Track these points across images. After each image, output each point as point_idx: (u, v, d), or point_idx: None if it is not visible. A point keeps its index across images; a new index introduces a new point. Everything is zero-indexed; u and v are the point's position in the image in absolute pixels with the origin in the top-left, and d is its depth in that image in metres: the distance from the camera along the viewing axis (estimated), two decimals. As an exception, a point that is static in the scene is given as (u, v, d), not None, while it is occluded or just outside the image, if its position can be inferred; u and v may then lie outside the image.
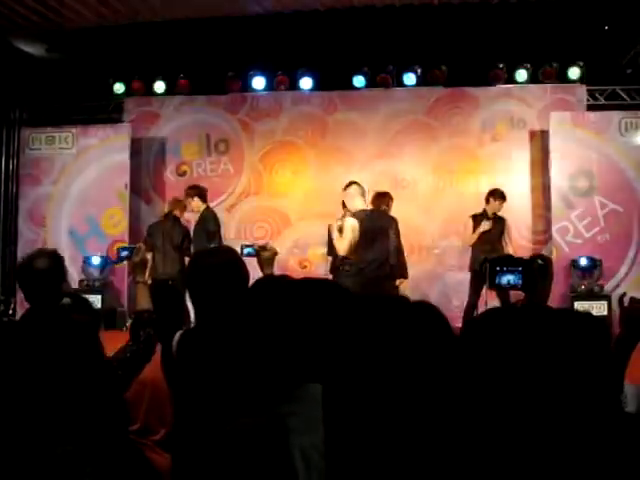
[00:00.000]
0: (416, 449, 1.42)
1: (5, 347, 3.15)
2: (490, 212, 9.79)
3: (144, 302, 3.76)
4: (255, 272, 3.56)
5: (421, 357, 1.45)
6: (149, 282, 9.23)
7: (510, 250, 9.51)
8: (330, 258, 10.18)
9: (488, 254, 9.13)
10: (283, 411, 1.83)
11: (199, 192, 9.90)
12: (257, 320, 2.08)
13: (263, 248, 3.75)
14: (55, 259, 3.52)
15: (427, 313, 1.55)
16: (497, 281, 2.59)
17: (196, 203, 9.85)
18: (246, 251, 4.13)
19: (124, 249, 4.10)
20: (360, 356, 1.49)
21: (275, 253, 3.76)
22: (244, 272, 3.07)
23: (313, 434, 1.77)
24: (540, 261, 2.65)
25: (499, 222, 9.84)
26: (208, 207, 9.89)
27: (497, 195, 9.81)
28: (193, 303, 3.05)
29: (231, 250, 3.33)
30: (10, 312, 10.81)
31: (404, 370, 1.44)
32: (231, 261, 3.07)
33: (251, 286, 2.18)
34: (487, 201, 9.85)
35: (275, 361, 1.94)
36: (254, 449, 1.69)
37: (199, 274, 3.04)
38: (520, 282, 2.59)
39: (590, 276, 9.96)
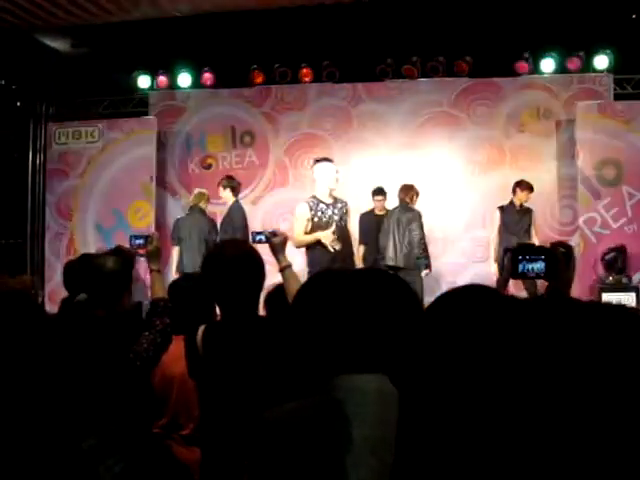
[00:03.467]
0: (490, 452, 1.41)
1: (33, 344, 3.17)
2: (517, 203, 9.79)
3: (159, 290, 3.78)
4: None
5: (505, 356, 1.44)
6: (176, 276, 9.31)
7: (536, 242, 9.46)
8: (362, 248, 10.22)
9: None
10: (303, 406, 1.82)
11: (232, 184, 9.98)
12: (313, 310, 2.07)
13: (273, 234, 3.75)
14: (124, 262, 3.57)
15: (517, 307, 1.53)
16: (520, 270, 2.58)
17: (227, 194, 9.93)
18: (257, 238, 4.15)
19: (137, 237, 4.11)
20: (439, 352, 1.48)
21: (286, 238, 3.77)
22: (259, 263, 3.11)
23: (361, 426, 1.76)
24: (562, 248, 2.63)
25: (526, 213, 9.83)
26: (237, 201, 9.96)
27: (524, 186, 9.79)
28: (213, 296, 3.08)
29: (244, 242, 3.35)
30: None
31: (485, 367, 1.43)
32: (245, 253, 3.10)
33: (312, 277, 2.19)
34: (514, 192, 9.84)
35: (321, 351, 1.93)
36: (308, 433, 1.68)
37: (215, 268, 3.06)
38: (544, 270, 2.57)
39: (618, 267, 9.87)
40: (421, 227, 9.53)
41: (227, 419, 2.81)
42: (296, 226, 7.49)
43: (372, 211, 10.34)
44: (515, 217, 9.80)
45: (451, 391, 1.44)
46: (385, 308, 1.86)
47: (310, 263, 7.41)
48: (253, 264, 3.07)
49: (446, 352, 1.47)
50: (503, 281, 8.71)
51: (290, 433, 1.71)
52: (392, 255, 9.48)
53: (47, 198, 11.98)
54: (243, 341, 2.87)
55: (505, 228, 9.77)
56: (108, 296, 3.43)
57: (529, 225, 9.84)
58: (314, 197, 7.57)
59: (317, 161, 7.72)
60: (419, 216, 9.57)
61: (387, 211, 10.05)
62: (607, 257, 9.96)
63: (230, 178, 10.14)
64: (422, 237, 9.54)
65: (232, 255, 3.07)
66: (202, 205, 10.28)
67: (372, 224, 10.11)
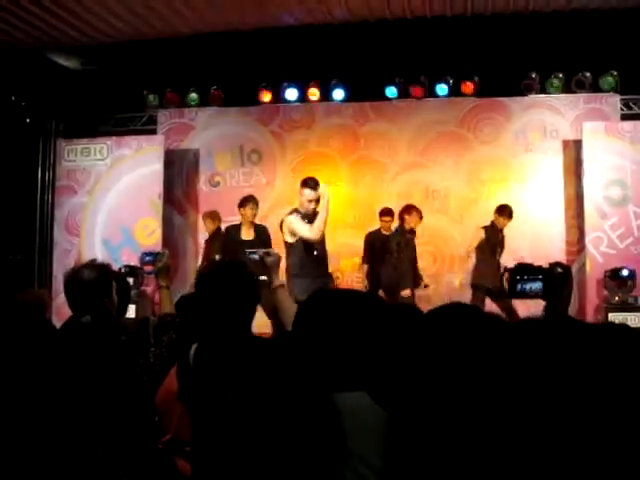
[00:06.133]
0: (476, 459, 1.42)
1: (39, 355, 3.19)
2: (499, 226, 9.77)
3: (168, 306, 3.80)
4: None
5: (483, 368, 1.45)
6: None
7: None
8: (366, 266, 10.29)
9: (496, 269, 9.34)
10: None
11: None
12: (307, 331, 2.10)
13: (267, 254, 3.77)
14: (102, 272, 3.59)
15: (492, 324, 1.55)
16: (518, 289, 2.61)
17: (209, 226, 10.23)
18: (251, 257, 4.14)
19: (147, 254, 4.13)
20: (419, 366, 1.50)
21: (279, 258, 3.79)
22: (251, 283, 3.09)
23: (359, 438, 1.78)
24: (560, 268, 2.66)
25: (503, 237, 9.84)
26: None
27: (503, 213, 9.76)
28: (203, 316, 3.06)
29: (236, 263, 3.35)
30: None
31: (464, 380, 1.45)
32: (236, 274, 3.09)
33: (309, 298, 2.21)
34: (495, 215, 9.84)
35: (316, 370, 1.96)
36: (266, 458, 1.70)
37: (205, 289, 3.06)
38: (541, 290, 2.60)
39: (624, 287, 9.85)
40: (414, 247, 9.69)
41: (217, 437, 2.81)
42: (295, 224, 7.33)
43: (378, 231, 10.36)
44: (497, 238, 9.79)
45: (435, 406, 1.46)
46: (374, 331, 1.89)
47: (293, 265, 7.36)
48: (243, 284, 3.06)
49: (430, 370, 1.49)
50: (479, 301, 8.69)
51: (294, 442, 1.73)
52: (391, 276, 9.55)
53: (55, 214, 12.04)
54: (233, 359, 2.87)
55: (488, 249, 9.72)
56: (88, 304, 3.45)
57: (503, 248, 9.88)
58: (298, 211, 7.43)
59: (300, 183, 7.58)
60: (414, 236, 9.72)
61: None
62: (621, 273, 9.91)
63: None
64: (415, 257, 9.70)
65: (221, 276, 3.07)
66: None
67: (378, 244, 10.14)
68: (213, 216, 10.70)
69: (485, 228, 9.83)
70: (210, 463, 2.73)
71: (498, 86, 11.12)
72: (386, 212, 10.35)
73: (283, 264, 7.49)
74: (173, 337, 3.47)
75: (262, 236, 9.32)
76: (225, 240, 9.56)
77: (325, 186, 7.32)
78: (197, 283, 3.13)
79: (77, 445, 2.86)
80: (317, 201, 7.27)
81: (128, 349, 3.52)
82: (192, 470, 3.10)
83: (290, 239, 7.33)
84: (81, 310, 3.47)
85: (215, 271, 3.17)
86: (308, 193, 7.29)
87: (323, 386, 1.88)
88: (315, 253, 7.39)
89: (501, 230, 9.85)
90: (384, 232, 10.27)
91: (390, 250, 9.63)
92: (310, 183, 7.38)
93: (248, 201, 9.57)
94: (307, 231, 7.23)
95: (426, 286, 9.90)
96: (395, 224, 10.16)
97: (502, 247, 9.87)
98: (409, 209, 9.83)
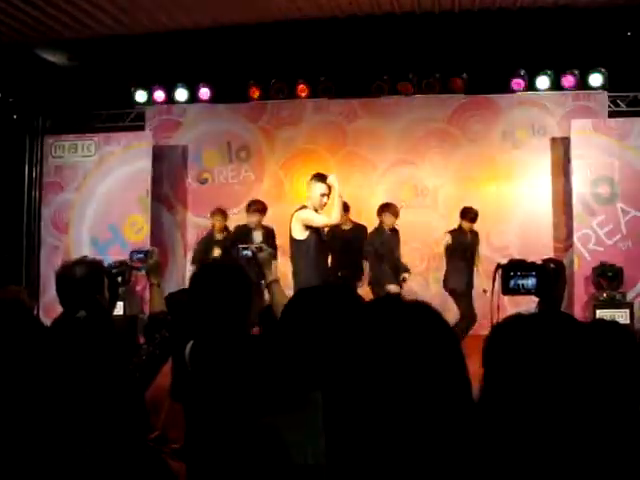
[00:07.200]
0: (420, 454, 1.41)
1: (30, 352, 3.17)
2: (466, 228, 9.58)
3: (159, 304, 3.78)
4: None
5: (419, 358, 1.44)
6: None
7: (479, 264, 9.46)
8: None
9: (463, 271, 9.18)
10: (281, 422, 1.85)
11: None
12: (284, 330, 2.09)
13: (260, 249, 3.75)
14: (93, 269, 3.58)
15: (424, 313, 1.53)
16: (511, 286, 2.60)
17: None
18: (243, 253, 4.10)
19: (137, 252, 4.11)
20: (358, 359, 1.48)
21: (271, 254, 3.77)
22: (246, 282, 3.08)
23: (314, 444, 1.78)
24: (553, 264, 2.65)
25: (474, 237, 9.60)
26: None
27: (465, 216, 9.49)
28: (200, 315, 3.04)
29: (232, 263, 3.34)
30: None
31: (403, 372, 1.43)
32: (232, 272, 3.08)
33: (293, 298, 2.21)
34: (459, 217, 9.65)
35: (285, 370, 1.96)
36: (250, 460, 1.71)
37: (203, 289, 3.05)
38: (535, 286, 2.59)
39: (612, 284, 9.88)
40: (397, 244, 9.65)
41: (212, 434, 2.80)
42: (312, 215, 7.16)
43: (338, 225, 10.17)
44: (465, 241, 9.49)
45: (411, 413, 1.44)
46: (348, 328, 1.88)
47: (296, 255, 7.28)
48: (239, 284, 3.05)
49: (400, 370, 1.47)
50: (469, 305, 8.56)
51: (278, 442, 1.74)
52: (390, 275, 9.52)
53: (43, 212, 11.98)
54: (229, 357, 2.86)
55: (456, 253, 9.41)
56: (80, 301, 3.44)
57: (476, 249, 9.62)
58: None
59: (311, 177, 7.47)
60: (396, 234, 9.69)
61: (353, 225, 10.06)
62: (608, 270, 9.92)
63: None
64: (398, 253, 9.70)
65: (217, 276, 3.06)
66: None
67: (338, 239, 10.10)
68: (225, 214, 10.36)
69: (451, 232, 9.51)
70: (205, 461, 2.72)
71: (486, 83, 11.13)
72: (343, 207, 10.20)
73: (287, 263, 7.49)
74: (165, 335, 3.46)
75: (269, 237, 9.28)
76: (235, 239, 9.25)
77: (333, 176, 7.27)
78: (192, 283, 3.12)
79: (68, 442, 2.84)
80: (328, 194, 7.18)
81: (121, 345, 3.51)
82: (187, 468, 3.10)
83: (301, 235, 7.13)
84: (73, 306, 3.45)
85: (211, 271, 3.16)
86: (320, 186, 7.18)
87: (303, 383, 1.88)
88: (323, 249, 7.40)
89: (470, 232, 9.53)
90: (344, 227, 10.18)
91: (376, 250, 9.63)
92: (320, 177, 7.28)
93: (250, 205, 9.65)
94: (326, 217, 7.16)
95: (404, 280, 9.78)
96: (350, 218, 10.16)
97: (473, 250, 9.53)
98: (382, 209, 9.67)
